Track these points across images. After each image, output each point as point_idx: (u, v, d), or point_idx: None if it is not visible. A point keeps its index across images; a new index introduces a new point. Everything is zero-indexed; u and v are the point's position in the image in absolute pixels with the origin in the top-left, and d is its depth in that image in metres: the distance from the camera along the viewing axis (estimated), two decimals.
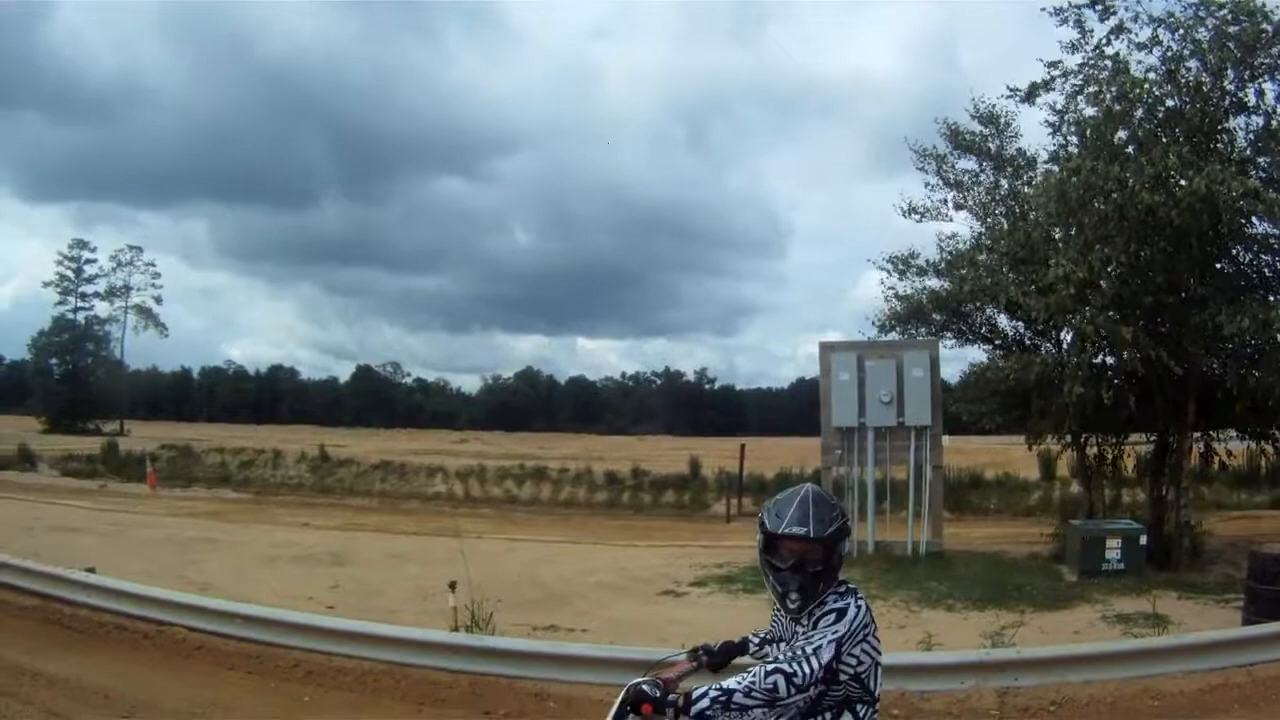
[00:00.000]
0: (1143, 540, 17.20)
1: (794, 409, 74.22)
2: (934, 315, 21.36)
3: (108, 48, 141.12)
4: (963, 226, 21.92)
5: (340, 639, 10.62)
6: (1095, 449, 20.95)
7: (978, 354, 22.13)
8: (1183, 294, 17.32)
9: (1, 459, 44.32)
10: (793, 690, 3.71)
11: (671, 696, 3.84)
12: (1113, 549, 16.98)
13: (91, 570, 13.06)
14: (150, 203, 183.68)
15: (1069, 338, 18.92)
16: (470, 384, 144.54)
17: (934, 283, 21.60)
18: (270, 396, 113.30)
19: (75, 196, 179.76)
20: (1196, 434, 19.43)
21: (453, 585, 11.91)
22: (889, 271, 22.06)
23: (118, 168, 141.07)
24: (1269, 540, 16.53)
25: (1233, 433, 20.13)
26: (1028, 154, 21.21)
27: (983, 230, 21.35)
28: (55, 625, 11.63)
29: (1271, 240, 17.60)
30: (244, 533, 24.54)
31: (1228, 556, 17.97)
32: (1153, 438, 20.27)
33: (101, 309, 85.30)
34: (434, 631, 11.08)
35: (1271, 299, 17.03)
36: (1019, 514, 31.02)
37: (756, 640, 4.60)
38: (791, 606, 4.00)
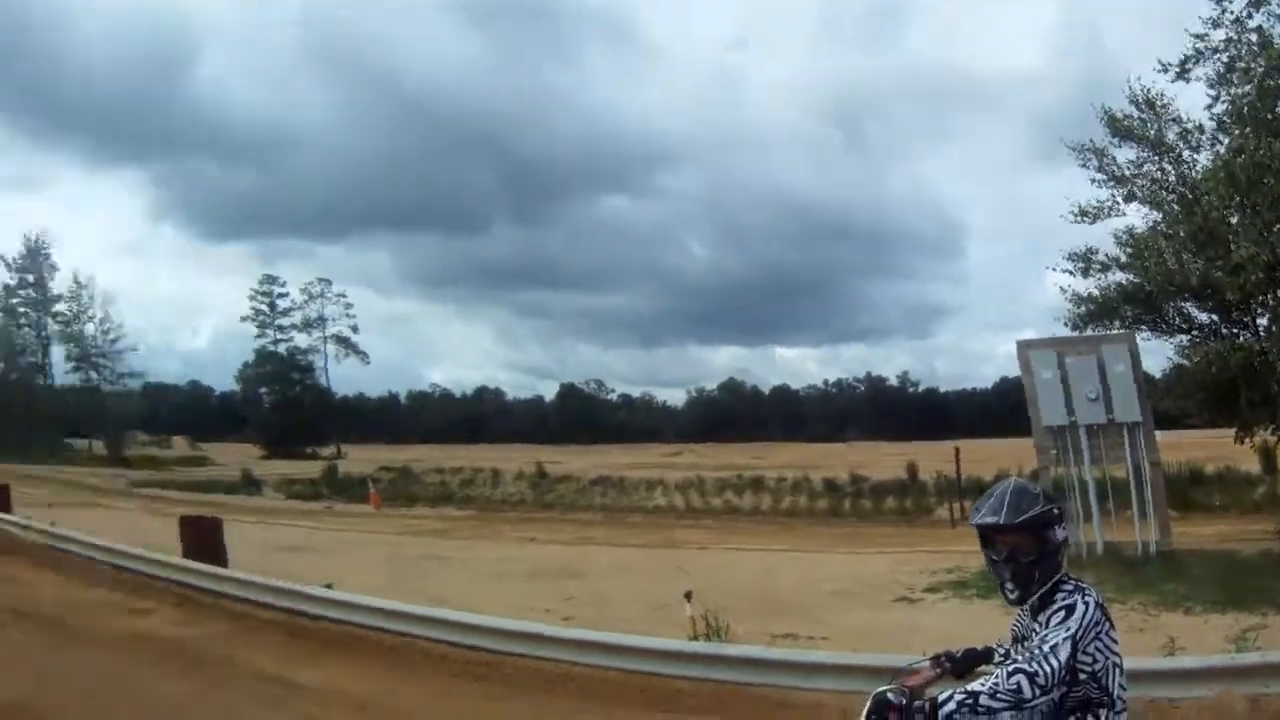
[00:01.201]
0: None
1: (1001, 408, 72.35)
2: (1125, 309, 20.71)
3: (261, 94, 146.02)
4: (1136, 219, 21.16)
5: (576, 648, 10.80)
6: None
7: (1176, 349, 21.42)
8: None
9: (227, 484, 46.39)
10: (1036, 691, 3.74)
11: (918, 703, 3.93)
12: None
13: (330, 586, 13.70)
14: (328, 237, 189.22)
15: (1265, 322, 18.22)
16: (674, 397, 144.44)
17: (1119, 277, 20.96)
18: (478, 417, 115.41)
19: (255, 234, 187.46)
20: None
21: (688, 595, 12.02)
22: (1070, 272, 21.45)
23: (291, 205, 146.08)
24: None
25: None
26: (1191, 129, 20.05)
27: (1159, 219, 20.60)
28: (301, 637, 12.11)
29: None
30: (471, 549, 25.26)
31: None
32: None
33: (300, 340, 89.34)
34: (672, 640, 11.16)
35: None
36: (1246, 510, 29.98)
37: (1001, 650, 4.60)
38: (1011, 597, 4.15)
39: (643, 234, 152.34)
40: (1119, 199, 20.94)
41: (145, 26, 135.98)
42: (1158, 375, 22.49)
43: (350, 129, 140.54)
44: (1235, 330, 19.89)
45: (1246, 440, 21.52)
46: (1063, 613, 3.94)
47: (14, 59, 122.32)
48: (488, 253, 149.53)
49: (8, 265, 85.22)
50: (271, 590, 13.46)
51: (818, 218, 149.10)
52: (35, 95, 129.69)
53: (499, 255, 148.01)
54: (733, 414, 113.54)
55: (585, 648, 10.80)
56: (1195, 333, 20.87)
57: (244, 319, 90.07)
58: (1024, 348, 20.11)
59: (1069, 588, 4.06)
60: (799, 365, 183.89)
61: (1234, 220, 17.96)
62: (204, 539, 16.33)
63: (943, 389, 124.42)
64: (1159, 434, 20.99)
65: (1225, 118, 18.36)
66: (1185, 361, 20.57)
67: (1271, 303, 17.21)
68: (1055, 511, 4.13)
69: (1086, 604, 3.95)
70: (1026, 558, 4.05)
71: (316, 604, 12.79)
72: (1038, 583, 4.07)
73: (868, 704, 4.05)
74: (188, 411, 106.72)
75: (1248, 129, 16.91)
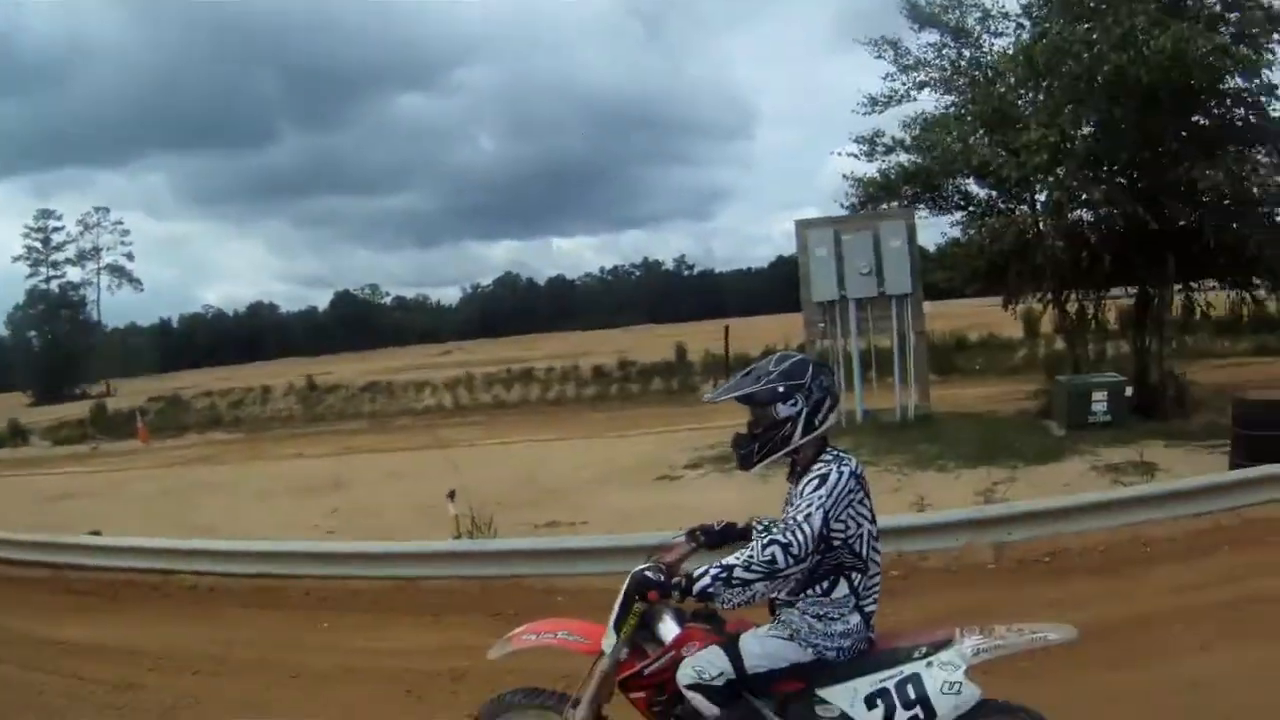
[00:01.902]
0: (1128, 392, 17.45)
1: (775, 287, 73.51)
2: (905, 189, 21.14)
3: (45, 10, 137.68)
4: (928, 103, 21.51)
5: (347, 561, 10.90)
6: (1076, 305, 20.99)
7: (952, 223, 22.00)
8: (1158, 149, 17.17)
9: None
10: (790, 561, 3.90)
11: (675, 579, 4.16)
12: (1099, 402, 17.14)
13: (96, 533, 13.22)
14: (107, 162, 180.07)
15: (1043, 199, 18.84)
16: (450, 296, 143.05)
17: (904, 158, 21.35)
18: (252, 334, 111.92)
19: (28, 169, 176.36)
20: (1177, 285, 19.42)
21: (451, 494, 11.93)
22: (855, 155, 21.74)
23: (69, 132, 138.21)
24: (1253, 387, 16.73)
25: (1214, 283, 20.13)
26: (995, 14, 20.37)
27: (951, 101, 21.01)
28: (69, 593, 11.62)
29: (1244, 95, 17.40)
30: (239, 472, 24.53)
31: (1213, 404, 17.95)
32: (1133, 291, 20.27)
33: (74, 274, 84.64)
34: (437, 542, 11.31)
35: (1246, 152, 16.90)
36: (1005, 373, 31.23)
37: (760, 526, 4.74)
38: (738, 465, 4.42)
39: (435, 132, 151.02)
40: (911, 88, 21.19)
41: None
42: (931, 249, 23.12)
43: (137, 44, 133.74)
44: (1012, 205, 20.43)
45: (1012, 308, 22.47)
46: (816, 481, 4.07)
47: None
48: (271, 164, 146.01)
49: None
50: (34, 546, 12.86)
51: (611, 108, 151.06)
52: None
53: (282, 166, 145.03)
54: (509, 308, 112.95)
55: (351, 559, 10.92)
56: (972, 208, 21.46)
57: (16, 259, 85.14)
58: (802, 226, 20.54)
59: (828, 457, 4.20)
60: (577, 255, 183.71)
61: (1025, 102, 18.55)
62: None
63: (719, 270, 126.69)
64: (928, 304, 21.89)
65: (1032, 3, 18.85)
66: (961, 236, 21.30)
67: (1050, 182, 17.68)
68: (780, 390, 4.24)
69: (841, 473, 4.09)
70: (756, 428, 4.29)
71: (82, 553, 12.30)
72: (758, 454, 4.28)
73: (627, 583, 4.34)
74: None
75: (1050, 11, 17.34)
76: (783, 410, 4.21)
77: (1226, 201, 16.87)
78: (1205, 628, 7.12)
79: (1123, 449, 14.63)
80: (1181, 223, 17.67)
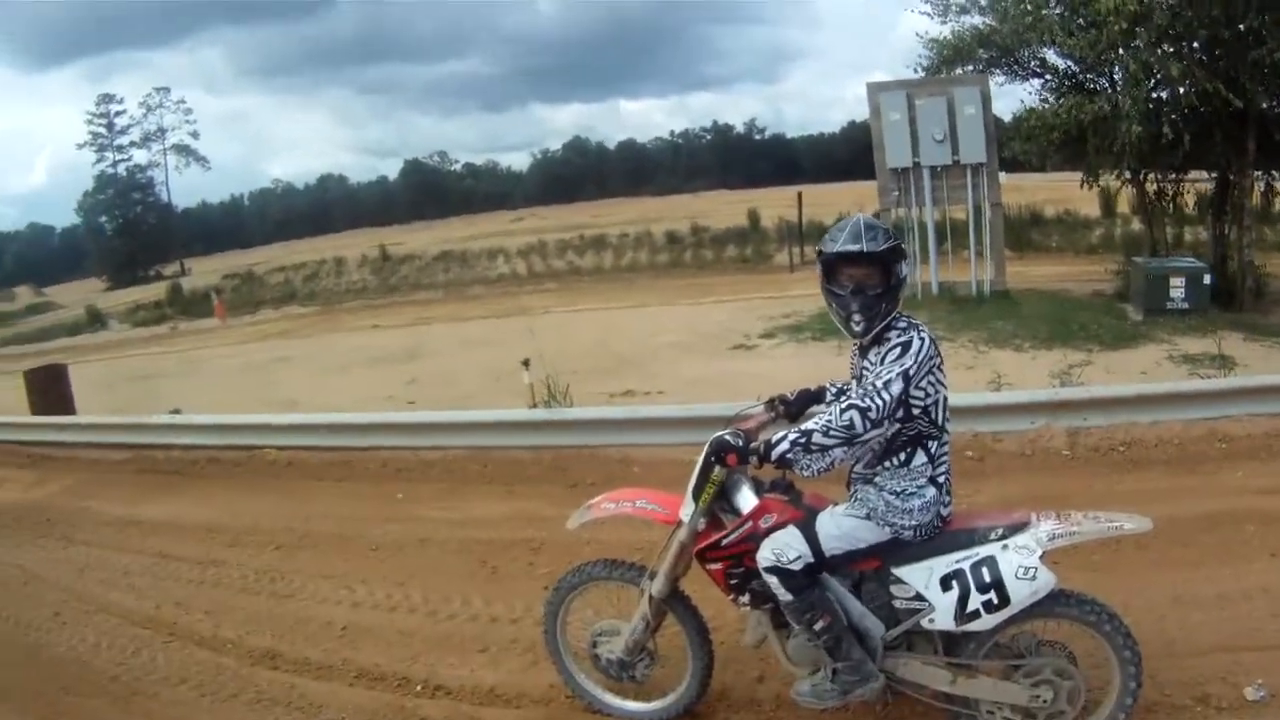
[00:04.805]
0: (1207, 280, 17.07)
1: (848, 152, 72.06)
2: (980, 53, 20.65)
3: None
4: None
5: (424, 432, 10.81)
6: (1155, 186, 20.54)
7: (1030, 92, 21.37)
8: (1239, 27, 16.46)
9: (70, 324, 44.19)
10: (868, 425, 3.89)
11: (754, 444, 4.17)
12: (1177, 288, 16.90)
13: (177, 412, 13.30)
14: (161, 41, 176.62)
15: (1122, 73, 18.34)
16: (519, 161, 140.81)
17: (977, 20, 20.82)
18: (323, 207, 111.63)
19: (81, 54, 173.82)
20: (1258, 172, 18.86)
21: (526, 362, 11.88)
22: (928, 15, 21.21)
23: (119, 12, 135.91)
24: None
25: None
26: None
27: None
28: (151, 472, 11.69)
29: None
30: (316, 345, 24.89)
31: None
32: (1213, 175, 19.76)
33: (140, 157, 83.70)
34: (514, 411, 11.16)
35: None
36: (1080, 252, 31.01)
37: (834, 390, 4.77)
38: (856, 329, 4.18)
39: None
40: None
41: None
42: (1007, 119, 22.57)
43: None
44: (1091, 77, 19.87)
45: (1091, 185, 21.90)
46: (898, 350, 4.04)
47: None
48: (328, 32, 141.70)
49: None
50: (117, 428, 12.91)
51: None
52: None
53: (339, 33, 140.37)
54: (579, 173, 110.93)
55: (427, 430, 10.86)
56: (1050, 78, 20.83)
57: (81, 145, 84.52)
58: (874, 90, 19.97)
59: (902, 325, 4.15)
60: (645, 118, 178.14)
61: None
62: (50, 389, 15.27)
63: (790, 135, 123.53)
64: (1003, 175, 21.47)
65: None
66: (1038, 107, 20.43)
67: (1126, 56, 17.13)
68: (903, 247, 4.22)
69: (922, 340, 4.06)
70: (874, 290, 4.10)
71: (163, 433, 12.31)
72: (882, 316, 4.13)
73: (706, 448, 4.33)
74: (30, 257, 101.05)
75: None
76: (903, 270, 4.17)
77: None
78: (1278, 532, 6.89)
79: (1200, 339, 14.48)
80: (1264, 105, 17.12)
